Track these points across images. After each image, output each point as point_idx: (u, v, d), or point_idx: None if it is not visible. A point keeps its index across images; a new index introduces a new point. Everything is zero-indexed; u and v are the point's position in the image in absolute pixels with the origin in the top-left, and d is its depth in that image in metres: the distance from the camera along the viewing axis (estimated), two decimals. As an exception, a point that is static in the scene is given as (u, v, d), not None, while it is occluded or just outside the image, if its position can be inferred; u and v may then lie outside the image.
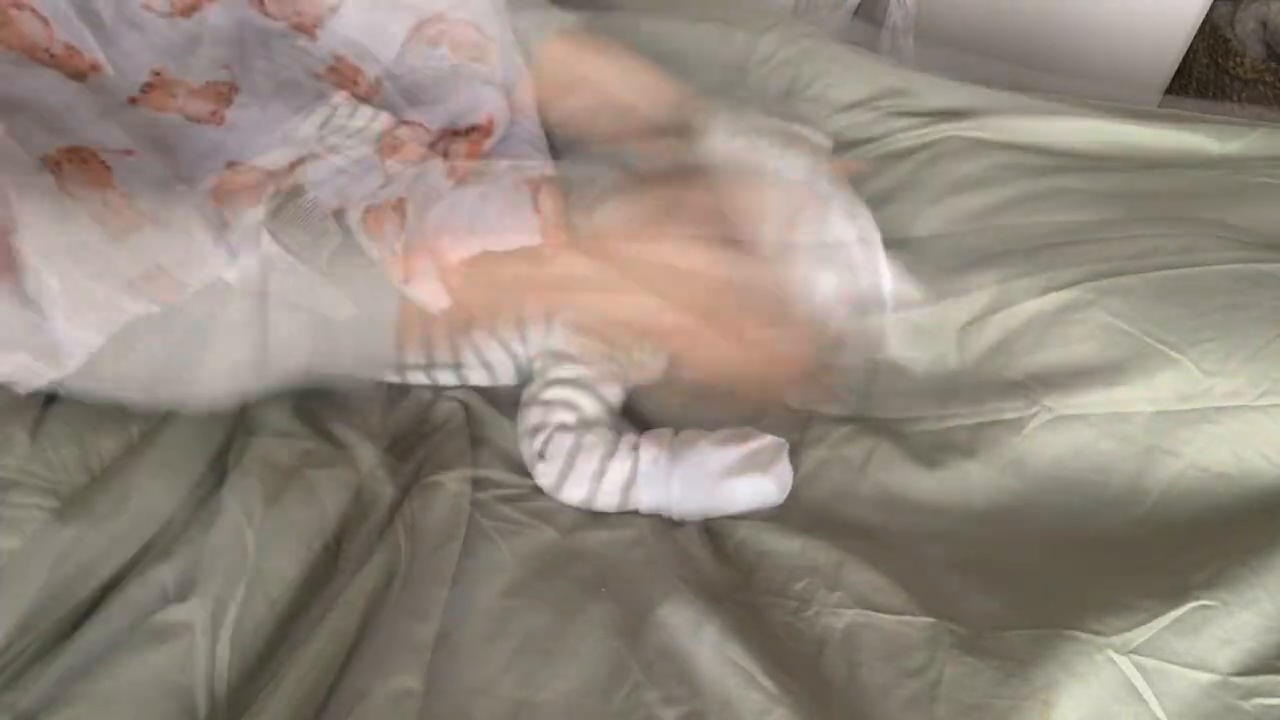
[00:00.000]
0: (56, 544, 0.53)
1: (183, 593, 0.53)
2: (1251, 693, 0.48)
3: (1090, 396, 0.62)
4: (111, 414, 0.60)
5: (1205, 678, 0.49)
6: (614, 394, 0.69)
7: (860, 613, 0.56)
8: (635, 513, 0.65)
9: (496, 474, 0.66)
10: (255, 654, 0.53)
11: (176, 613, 0.52)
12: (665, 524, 0.64)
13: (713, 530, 0.64)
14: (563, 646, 0.55)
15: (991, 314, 0.68)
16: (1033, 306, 0.66)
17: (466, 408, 0.70)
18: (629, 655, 0.54)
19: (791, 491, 0.66)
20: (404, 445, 0.66)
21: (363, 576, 0.56)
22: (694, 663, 0.54)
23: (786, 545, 0.61)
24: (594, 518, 0.64)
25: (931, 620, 0.54)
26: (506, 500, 0.64)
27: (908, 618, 0.55)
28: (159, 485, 0.57)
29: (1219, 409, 0.60)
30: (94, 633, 0.52)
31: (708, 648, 0.54)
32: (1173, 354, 0.62)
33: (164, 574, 0.53)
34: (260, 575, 0.55)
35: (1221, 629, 0.50)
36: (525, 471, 0.66)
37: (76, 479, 0.57)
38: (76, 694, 0.49)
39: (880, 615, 0.56)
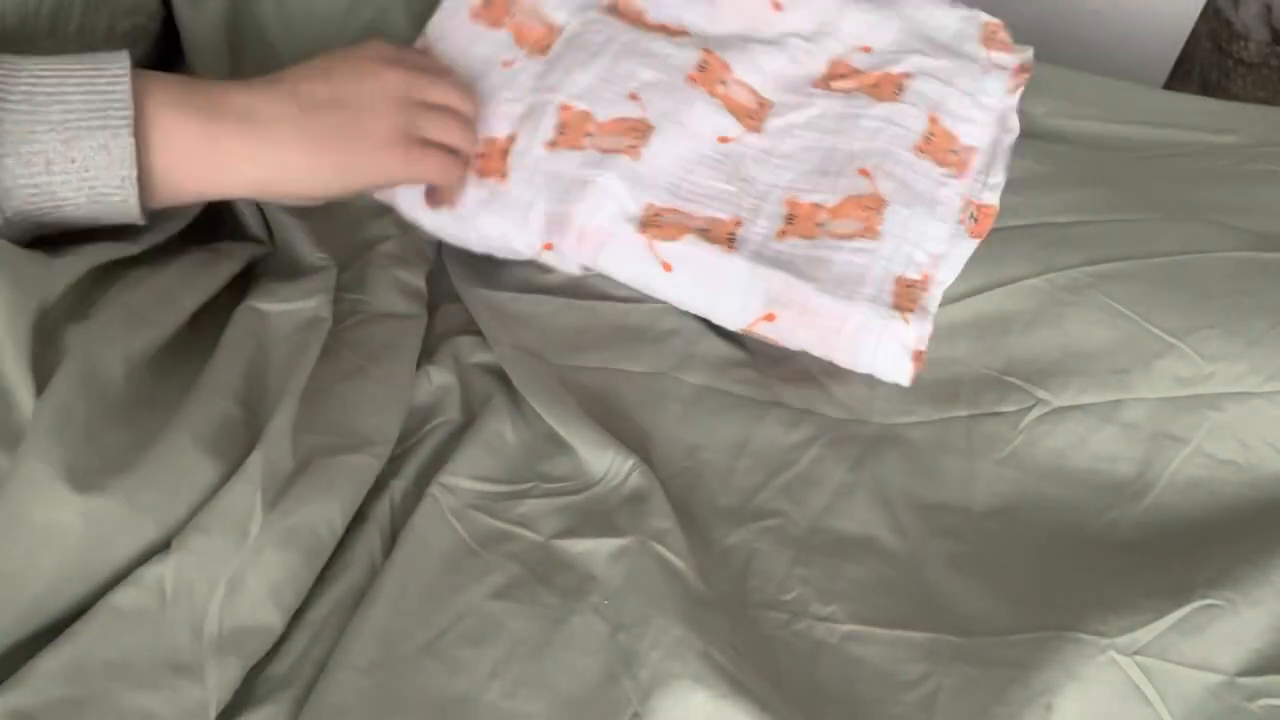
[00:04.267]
0: None
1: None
2: (1258, 693, 0.48)
3: (1088, 383, 0.61)
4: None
5: (1211, 678, 0.48)
6: None
7: (855, 627, 0.55)
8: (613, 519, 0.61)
9: (473, 478, 0.63)
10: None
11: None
12: (648, 533, 0.61)
13: (700, 537, 0.62)
14: (550, 656, 0.54)
15: (987, 302, 0.66)
16: (1029, 292, 0.65)
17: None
18: (619, 668, 0.53)
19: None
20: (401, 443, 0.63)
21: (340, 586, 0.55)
22: (681, 680, 0.51)
23: (777, 552, 0.59)
24: (572, 526, 0.61)
25: (930, 635, 0.52)
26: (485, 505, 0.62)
27: (904, 631, 0.54)
28: None
29: (1222, 395, 0.59)
30: None
31: (694, 662, 0.52)
32: (1171, 339, 0.61)
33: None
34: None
35: (1227, 628, 0.49)
36: (507, 477, 0.63)
37: None
38: None
39: (876, 630, 0.54)
